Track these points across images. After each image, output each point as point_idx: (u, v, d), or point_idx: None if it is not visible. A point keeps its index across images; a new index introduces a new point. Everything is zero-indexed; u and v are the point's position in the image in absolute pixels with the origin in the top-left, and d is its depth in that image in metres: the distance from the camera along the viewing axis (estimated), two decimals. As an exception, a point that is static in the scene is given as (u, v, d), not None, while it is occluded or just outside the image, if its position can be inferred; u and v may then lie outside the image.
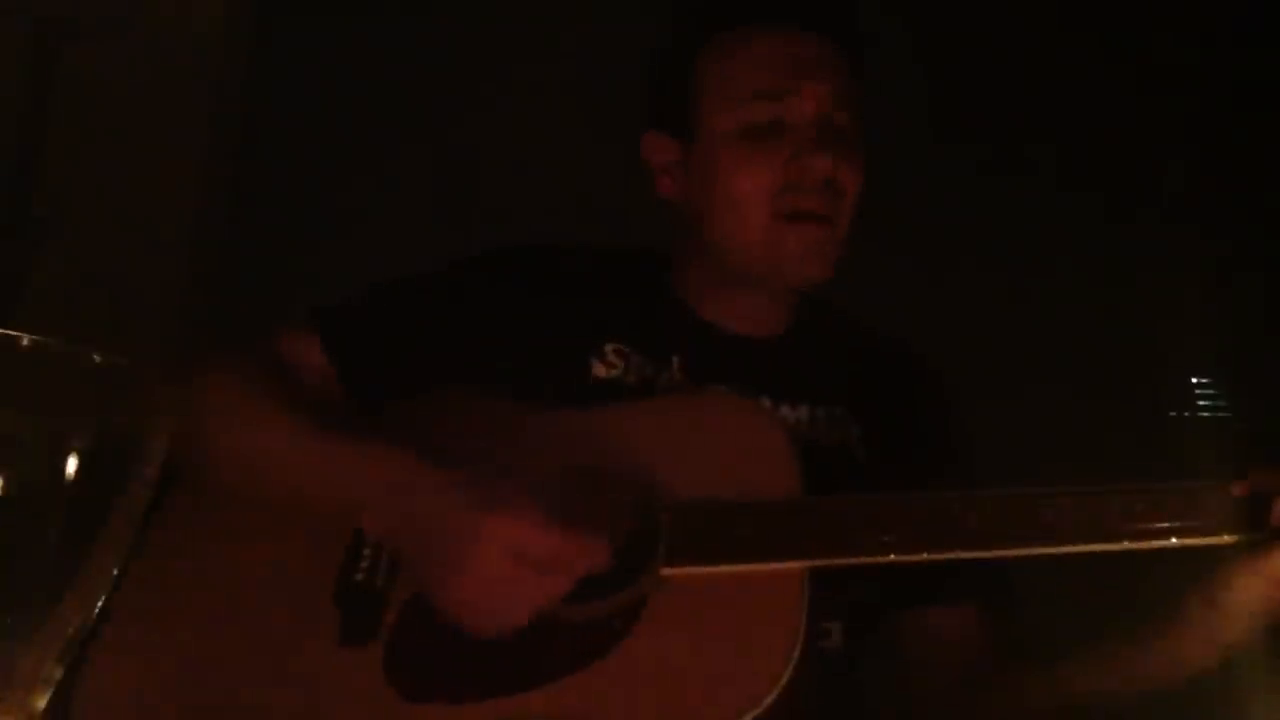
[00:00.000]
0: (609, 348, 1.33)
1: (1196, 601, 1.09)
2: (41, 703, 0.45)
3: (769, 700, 1.01)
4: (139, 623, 1.12)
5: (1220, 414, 2.47)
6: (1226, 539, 1.04)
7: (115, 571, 0.47)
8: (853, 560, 1.10)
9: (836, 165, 1.26)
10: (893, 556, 1.08)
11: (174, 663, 1.14)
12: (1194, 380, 2.50)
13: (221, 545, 1.21)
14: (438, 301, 1.35)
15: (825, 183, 1.26)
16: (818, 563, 1.08)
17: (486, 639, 1.08)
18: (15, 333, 0.43)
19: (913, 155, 2.36)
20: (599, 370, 1.32)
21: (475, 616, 1.08)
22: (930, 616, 1.32)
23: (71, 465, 0.44)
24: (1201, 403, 2.50)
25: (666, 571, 1.10)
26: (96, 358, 0.45)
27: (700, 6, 1.39)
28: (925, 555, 1.08)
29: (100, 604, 0.47)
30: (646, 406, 1.27)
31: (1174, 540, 1.04)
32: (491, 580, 1.06)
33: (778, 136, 1.28)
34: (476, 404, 1.27)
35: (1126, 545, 1.05)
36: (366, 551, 1.16)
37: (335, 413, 1.26)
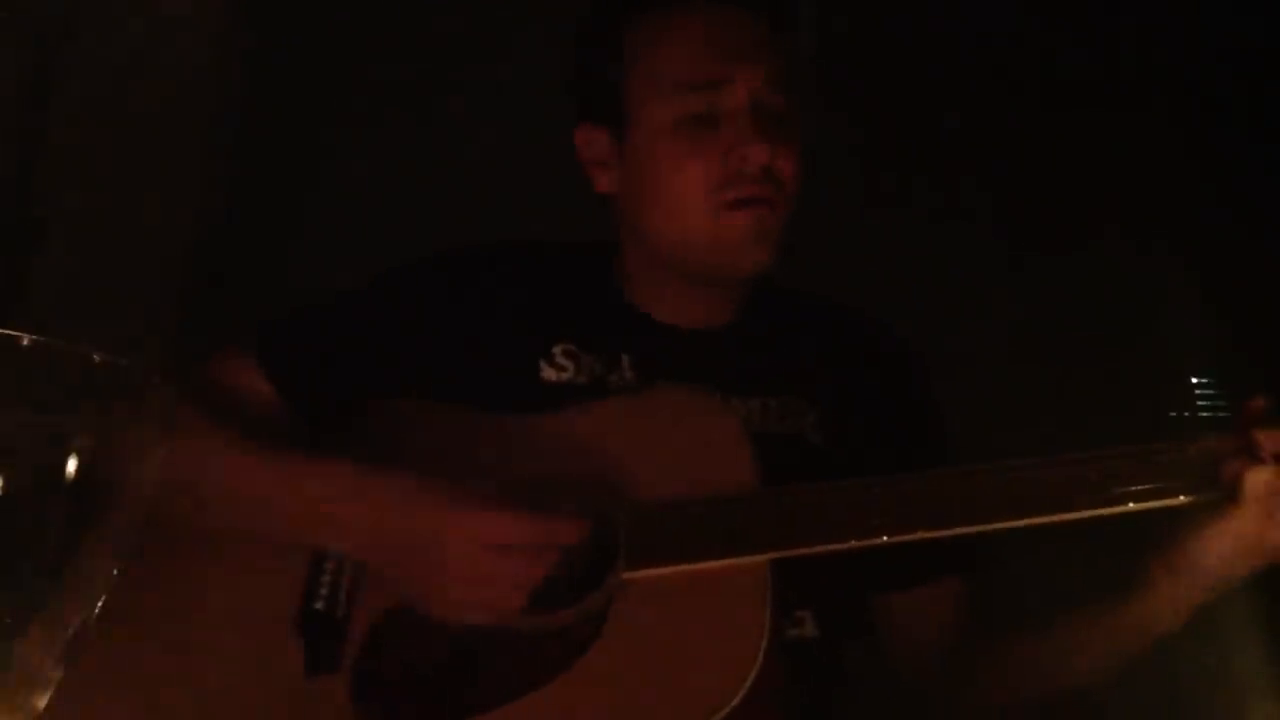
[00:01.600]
0: (557, 349, 1.31)
1: (1157, 565, 1.11)
2: (41, 703, 0.45)
3: (739, 698, 1.01)
4: (100, 659, 1.10)
5: (1220, 414, 2.47)
6: (1182, 500, 1.06)
7: (115, 571, 0.47)
8: (813, 549, 1.10)
9: (774, 153, 1.24)
10: (852, 543, 1.08)
11: (137, 698, 1.12)
12: (1194, 380, 2.49)
13: (180, 579, 1.19)
14: (377, 313, 1.33)
15: (763, 170, 1.24)
16: (776, 555, 1.08)
17: (488, 630, 1.08)
18: (15, 333, 0.43)
19: (913, 155, 2.36)
20: (548, 374, 1.30)
21: (470, 612, 1.08)
22: (909, 596, 1.32)
23: (71, 465, 0.44)
24: (1201, 403, 2.50)
25: (627, 575, 1.10)
26: (96, 358, 0.45)
27: None
28: (884, 538, 1.08)
29: (100, 604, 0.47)
30: (597, 409, 1.25)
31: (1131, 505, 1.05)
32: (473, 575, 1.07)
33: (713, 127, 1.25)
34: (425, 415, 1.26)
35: (1086, 513, 1.06)
36: (325, 579, 1.14)
37: (280, 435, 1.24)
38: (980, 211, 2.38)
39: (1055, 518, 1.06)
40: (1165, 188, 2.35)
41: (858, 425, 1.34)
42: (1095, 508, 1.06)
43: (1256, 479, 1.04)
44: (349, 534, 1.13)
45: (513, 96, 2.27)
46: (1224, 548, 1.06)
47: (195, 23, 2.25)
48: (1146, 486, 1.05)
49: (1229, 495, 1.05)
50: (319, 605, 1.13)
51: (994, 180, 2.39)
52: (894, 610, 1.33)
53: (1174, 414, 2.49)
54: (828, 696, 1.28)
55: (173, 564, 1.19)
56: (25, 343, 0.44)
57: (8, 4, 2.03)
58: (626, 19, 1.31)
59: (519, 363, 1.30)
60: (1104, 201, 2.38)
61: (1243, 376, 2.36)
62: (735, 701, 1.01)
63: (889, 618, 1.34)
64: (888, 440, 1.33)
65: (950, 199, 2.38)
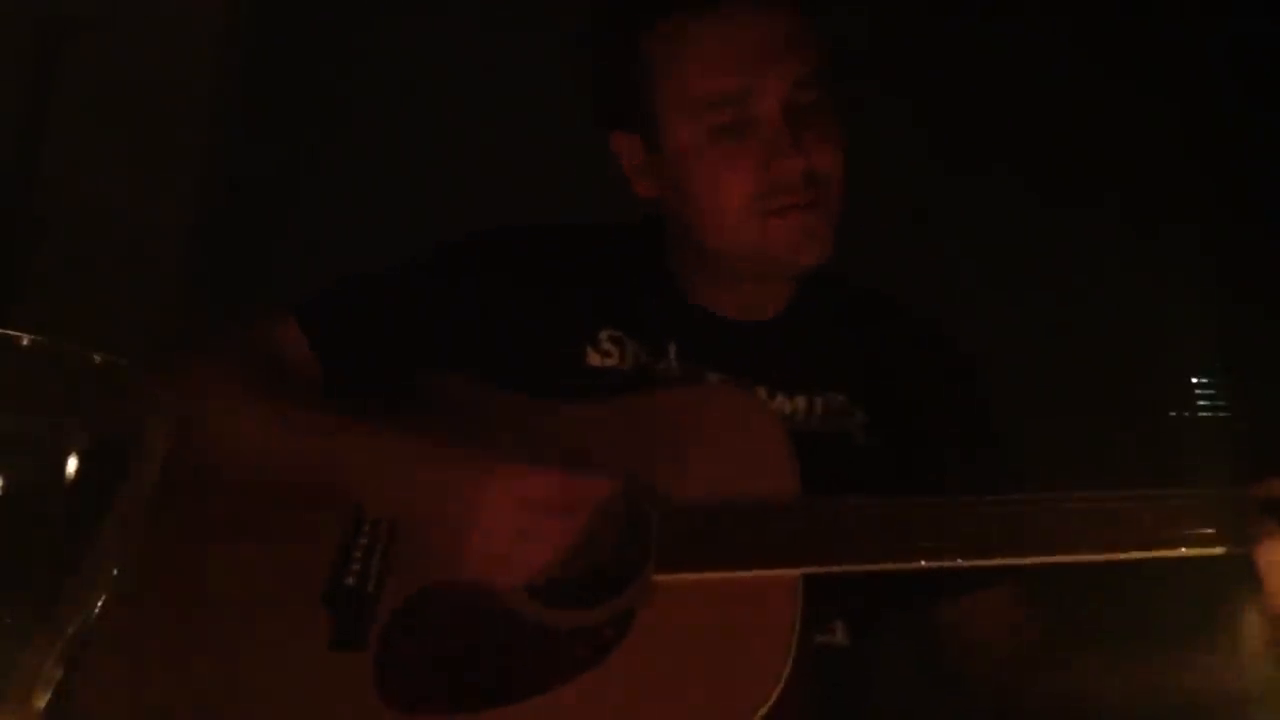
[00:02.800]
0: (604, 334, 1.30)
1: (1250, 610, 1.05)
2: (41, 703, 0.45)
3: (765, 709, 0.99)
4: (130, 627, 1.11)
5: (1220, 414, 2.47)
6: (1232, 549, 1.01)
7: (115, 571, 0.47)
8: (845, 568, 1.08)
9: (811, 157, 1.22)
10: (890, 565, 1.07)
11: (165, 667, 1.13)
12: (1194, 380, 2.49)
13: (211, 546, 1.19)
14: (423, 289, 1.32)
15: (804, 177, 1.22)
16: (810, 570, 1.07)
17: (494, 589, 1.08)
18: (15, 333, 0.43)
19: (912, 154, 2.36)
20: (594, 359, 1.29)
21: (500, 569, 1.09)
22: (964, 602, 1.28)
23: (71, 465, 0.44)
24: (1201, 403, 2.50)
25: (658, 578, 1.09)
26: (96, 358, 0.45)
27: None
28: (922, 563, 1.06)
29: (100, 604, 0.47)
30: (638, 400, 1.24)
31: (1183, 550, 1.02)
32: (506, 531, 1.07)
33: (746, 136, 1.22)
34: (466, 395, 1.26)
35: (1136, 554, 1.02)
36: (357, 555, 1.14)
37: (325, 398, 1.25)
38: (980, 211, 2.38)
39: (1103, 557, 1.03)
40: (1166, 187, 2.35)
41: (907, 427, 1.31)
42: (1146, 549, 1.02)
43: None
44: (388, 491, 1.13)
45: (514, 95, 2.28)
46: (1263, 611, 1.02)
47: (195, 23, 2.25)
48: (1207, 531, 1.01)
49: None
50: (350, 580, 1.13)
51: (994, 180, 2.39)
52: (944, 614, 1.30)
53: (1174, 414, 2.49)
54: (855, 704, 1.26)
55: (203, 535, 1.20)
56: (25, 343, 0.43)
57: (8, 4, 2.03)
58: (642, 23, 1.26)
59: (565, 346, 1.29)
60: (1104, 201, 2.38)
61: (1243, 376, 2.36)
62: (759, 714, 0.99)
63: (938, 621, 1.30)
64: (938, 444, 1.30)
65: (950, 198, 2.38)
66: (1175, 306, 2.21)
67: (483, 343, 1.29)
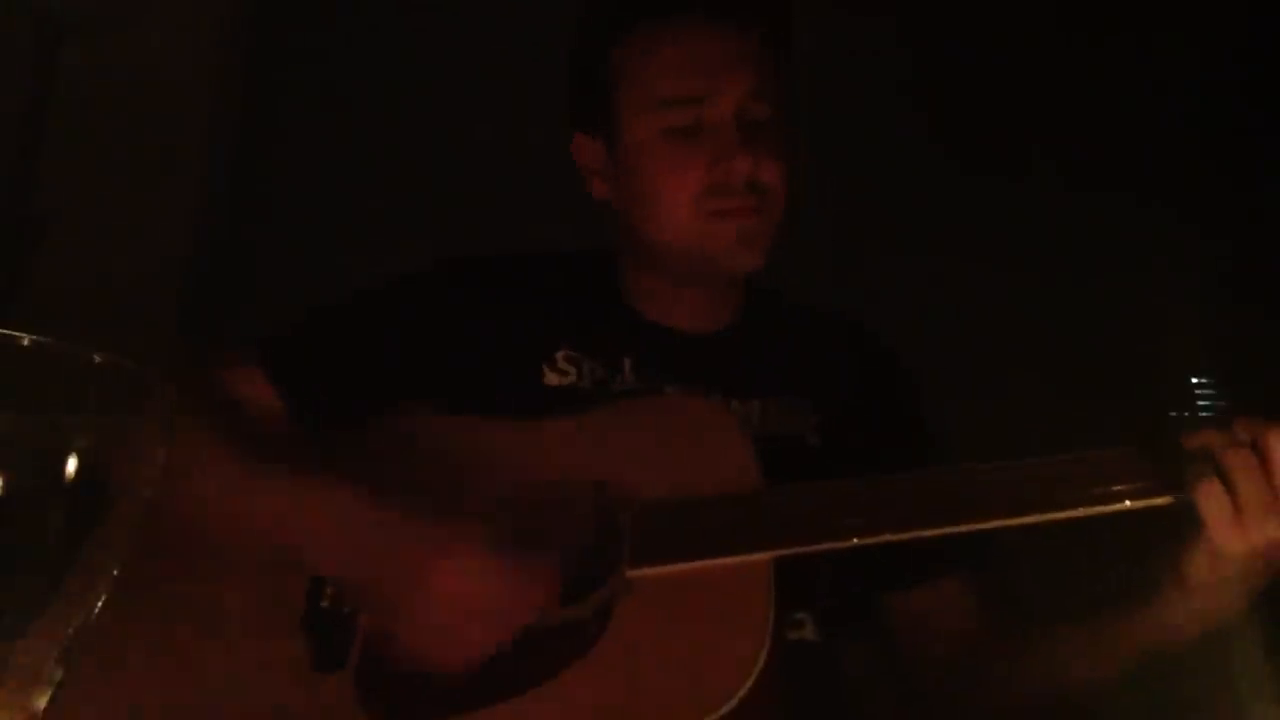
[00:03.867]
0: (560, 354, 1.33)
1: (1169, 572, 1.09)
2: (41, 703, 0.45)
3: (741, 693, 1.01)
4: (107, 652, 1.10)
5: (1220, 414, 2.47)
6: (1170, 499, 1.03)
7: (115, 572, 0.47)
8: (816, 547, 1.10)
9: (757, 164, 1.27)
10: (855, 541, 1.08)
11: (144, 692, 1.13)
12: (1194, 380, 2.50)
13: (187, 574, 1.19)
14: (380, 320, 1.34)
15: (748, 183, 1.27)
16: (779, 553, 1.09)
17: (452, 673, 1.08)
18: (15, 333, 0.43)
19: (913, 154, 2.36)
20: (551, 378, 1.31)
21: (432, 657, 1.09)
22: (913, 597, 1.32)
23: (71, 465, 0.44)
24: (1201, 403, 2.50)
25: (632, 573, 1.10)
26: (96, 358, 0.44)
27: (608, 5, 1.38)
28: (888, 535, 1.08)
29: (100, 604, 0.47)
30: (599, 413, 1.25)
31: (1128, 503, 1.04)
32: (440, 626, 1.07)
33: (698, 138, 1.28)
34: (429, 421, 1.26)
35: (1080, 511, 1.05)
36: (329, 581, 1.16)
37: (283, 446, 1.24)
38: (980, 211, 2.38)
39: (1051, 516, 1.06)
40: (1166, 187, 2.35)
41: (855, 429, 1.36)
42: (1089, 506, 1.04)
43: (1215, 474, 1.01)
44: (336, 564, 1.13)
45: (515, 98, 2.28)
46: (1213, 553, 1.04)
47: (195, 23, 2.25)
48: (1144, 484, 1.04)
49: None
50: (325, 603, 1.14)
51: (994, 179, 2.39)
52: (896, 611, 1.34)
53: (1174, 414, 2.50)
54: (826, 700, 1.28)
55: (181, 560, 1.19)
56: (25, 343, 0.43)
57: (8, 4, 2.03)
58: (615, 36, 1.34)
59: (522, 368, 1.31)
60: (1104, 201, 2.38)
61: (1243, 376, 2.36)
62: (737, 698, 1.01)
63: (893, 619, 1.34)
64: (882, 446, 1.34)
65: (950, 198, 2.38)
66: (1175, 306, 2.21)
67: (441, 370, 1.30)
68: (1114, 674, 1.17)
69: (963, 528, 1.08)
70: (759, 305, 1.42)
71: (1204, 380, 2.49)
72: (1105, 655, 1.17)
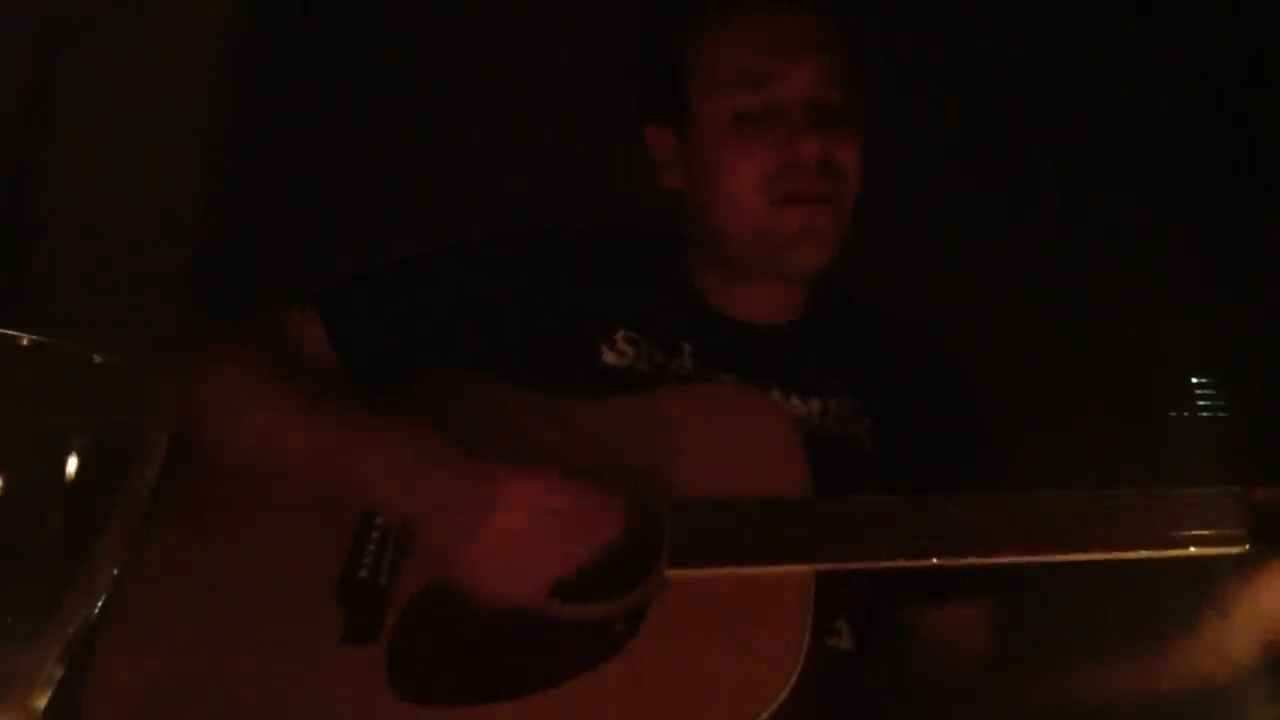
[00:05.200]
0: (619, 335, 1.31)
1: (1210, 613, 1.07)
2: (41, 703, 0.45)
3: (778, 700, 0.99)
4: (143, 618, 1.11)
5: (1220, 414, 2.47)
6: (1246, 549, 1.02)
7: (115, 571, 0.47)
8: (861, 565, 1.09)
9: (830, 145, 1.25)
10: (900, 563, 1.07)
11: (178, 659, 1.13)
12: (1194, 380, 2.49)
13: (224, 541, 1.20)
14: (442, 283, 1.33)
15: (820, 164, 1.24)
16: (824, 567, 1.07)
17: (500, 606, 1.07)
18: (15, 333, 0.43)
19: (913, 155, 2.36)
20: (609, 357, 1.30)
21: (490, 581, 1.07)
22: (943, 612, 1.30)
23: (71, 465, 0.44)
24: (1201, 403, 2.50)
25: (670, 573, 1.09)
26: (96, 358, 0.45)
27: None
28: (935, 560, 1.06)
29: (101, 604, 0.47)
30: (653, 398, 1.24)
31: (1192, 549, 1.02)
32: (509, 539, 1.06)
33: (769, 121, 1.26)
34: (482, 392, 1.26)
35: (1144, 553, 1.03)
36: (371, 548, 1.14)
37: (343, 391, 1.25)
38: (980, 210, 2.38)
39: (1111, 555, 1.03)
40: (1166, 187, 2.35)
41: (912, 436, 1.33)
42: (1154, 548, 1.02)
43: None
44: (398, 495, 1.13)
45: (515, 95, 2.27)
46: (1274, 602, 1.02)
47: (195, 24, 2.25)
48: (1210, 532, 1.02)
49: None
50: (362, 574, 1.13)
51: (994, 179, 2.39)
52: (924, 625, 1.31)
53: (1174, 414, 2.49)
54: (856, 709, 1.26)
55: (217, 526, 1.20)
56: (25, 343, 0.43)
57: (8, 4, 2.03)
58: (688, 22, 1.32)
59: (581, 345, 1.30)
60: (1105, 201, 2.38)
61: (1243, 376, 2.36)
62: (775, 704, 0.99)
63: (918, 631, 1.31)
64: (938, 457, 1.31)
65: (950, 197, 2.38)
66: (1175, 306, 2.20)
67: (499, 340, 1.29)
68: (1134, 706, 1.15)
69: (1040, 558, 1.05)
70: (826, 302, 1.39)
71: (1204, 380, 2.49)
72: (1124, 689, 1.15)
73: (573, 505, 1.07)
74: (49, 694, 0.45)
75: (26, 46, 2.08)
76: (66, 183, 2.12)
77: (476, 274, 1.33)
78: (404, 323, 1.31)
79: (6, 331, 0.43)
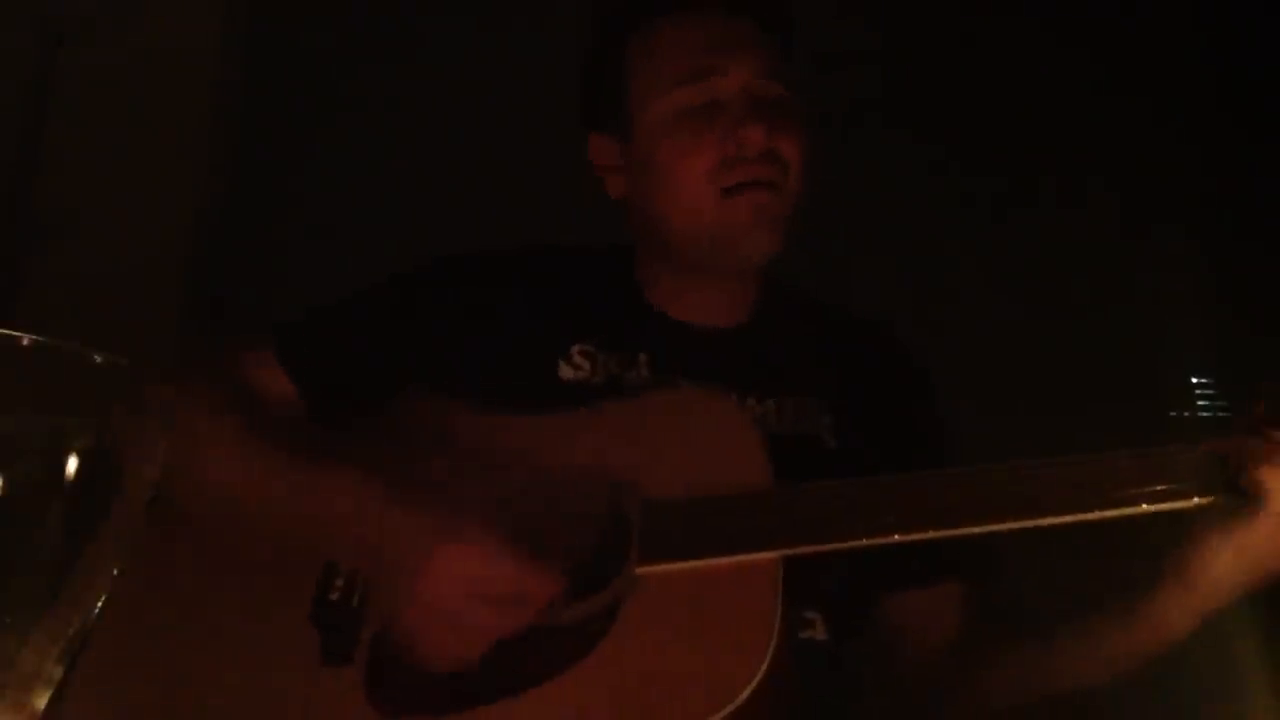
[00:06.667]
0: (575, 349, 1.32)
1: (1170, 571, 1.09)
2: (41, 703, 0.45)
3: (746, 693, 1.00)
4: (119, 647, 1.11)
5: (1220, 414, 2.47)
6: (1196, 502, 1.04)
7: (115, 571, 0.47)
8: (825, 546, 1.10)
9: (771, 133, 1.26)
10: (863, 541, 1.08)
11: (156, 686, 1.14)
12: (1194, 380, 2.49)
13: (198, 568, 1.20)
14: (396, 312, 1.34)
15: (765, 153, 1.26)
16: (789, 551, 1.08)
17: (438, 673, 1.07)
18: (15, 333, 0.43)
19: (914, 155, 2.36)
20: (566, 373, 1.31)
21: (425, 649, 1.08)
22: (913, 598, 1.31)
23: (71, 465, 0.44)
24: (1201, 403, 2.50)
25: (639, 570, 1.10)
26: (96, 358, 0.45)
27: (620, 4, 1.39)
28: (896, 536, 1.07)
29: (100, 604, 0.47)
30: (613, 408, 1.25)
31: (1145, 506, 1.04)
32: (441, 612, 1.06)
33: (712, 114, 1.28)
34: (443, 413, 1.26)
35: (1102, 514, 1.04)
36: (341, 570, 1.16)
37: (297, 434, 1.26)
38: (980, 210, 2.38)
39: (1067, 518, 1.05)
40: (1166, 187, 2.35)
41: (869, 431, 1.34)
42: (1107, 509, 1.04)
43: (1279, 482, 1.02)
44: (350, 552, 1.15)
45: (514, 98, 2.28)
46: (1242, 553, 1.04)
47: (195, 24, 2.25)
48: (1159, 488, 1.04)
49: (1248, 499, 1.03)
50: (334, 596, 1.14)
51: (994, 179, 2.39)
52: (893, 611, 1.33)
53: (1174, 414, 2.49)
54: (833, 700, 1.27)
55: (193, 553, 1.21)
56: (25, 343, 0.44)
57: (8, 4, 2.03)
58: (627, 32, 1.35)
59: (537, 362, 1.31)
60: (1104, 201, 2.38)
61: (1243, 376, 2.36)
62: (743, 696, 1.00)
63: (888, 618, 1.33)
64: (897, 449, 1.32)
65: (950, 197, 2.38)
66: (1175, 307, 2.20)
67: (457, 365, 1.30)
68: (1105, 677, 1.17)
69: (1001, 526, 1.07)
70: (777, 301, 1.40)
71: (1204, 380, 2.49)
72: (1097, 658, 1.16)
73: (507, 575, 1.07)
74: (49, 693, 0.45)
75: (27, 45, 2.08)
76: (66, 183, 2.12)
77: (429, 301, 1.34)
78: (360, 354, 1.32)
79: (6, 331, 0.43)
